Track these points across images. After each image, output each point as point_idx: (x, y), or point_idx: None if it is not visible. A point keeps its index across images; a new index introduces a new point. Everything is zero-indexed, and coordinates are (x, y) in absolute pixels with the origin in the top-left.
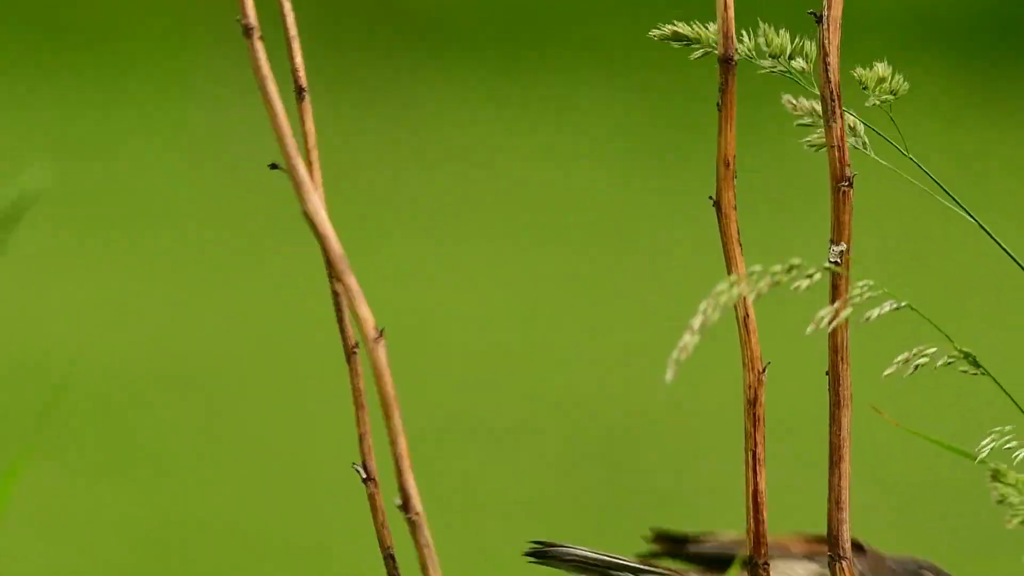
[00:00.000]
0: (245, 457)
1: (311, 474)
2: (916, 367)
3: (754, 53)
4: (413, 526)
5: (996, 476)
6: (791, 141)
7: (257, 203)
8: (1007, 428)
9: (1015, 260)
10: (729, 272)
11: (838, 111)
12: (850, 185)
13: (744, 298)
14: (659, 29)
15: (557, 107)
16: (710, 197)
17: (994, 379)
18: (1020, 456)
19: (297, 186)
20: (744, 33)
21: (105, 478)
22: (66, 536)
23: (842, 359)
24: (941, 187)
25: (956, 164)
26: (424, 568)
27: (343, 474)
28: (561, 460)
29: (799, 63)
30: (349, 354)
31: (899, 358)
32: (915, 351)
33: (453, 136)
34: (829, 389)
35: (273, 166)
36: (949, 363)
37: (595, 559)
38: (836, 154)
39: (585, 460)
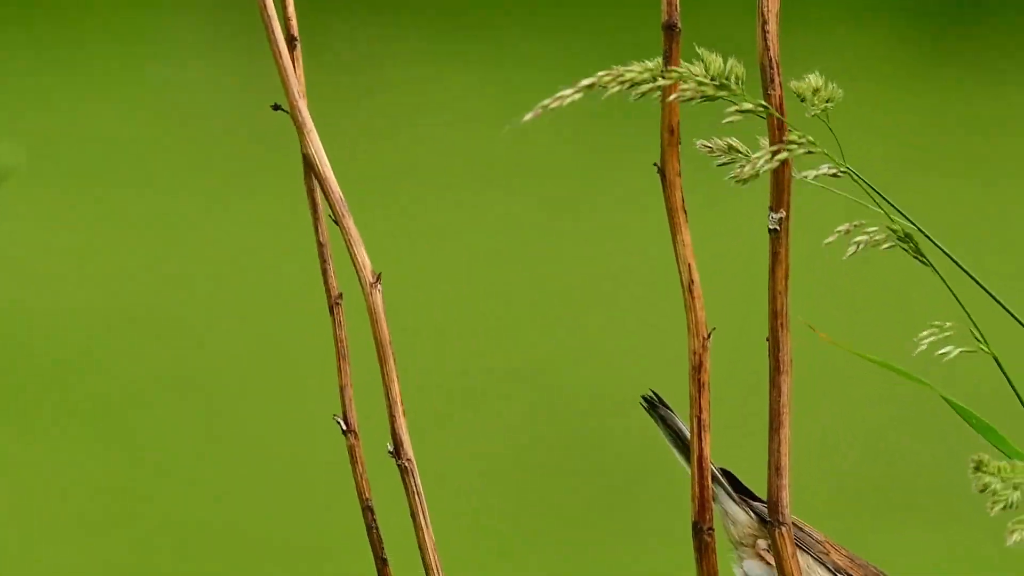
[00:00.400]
0: (225, 413)
1: (292, 427)
2: (857, 246)
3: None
4: (404, 472)
5: (979, 466)
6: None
7: (222, 158)
8: (947, 324)
9: (958, 265)
10: (674, 239)
11: (777, 79)
12: (788, 152)
13: (689, 264)
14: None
15: (513, 63)
16: (655, 164)
17: (934, 268)
18: (953, 354)
19: (299, 128)
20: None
21: (82, 439)
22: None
23: (782, 325)
24: (881, 195)
25: (907, 130)
26: (414, 515)
27: (326, 427)
28: (511, 411)
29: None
30: (332, 304)
31: (840, 227)
32: (855, 223)
33: (411, 90)
34: (769, 355)
35: (276, 107)
36: (890, 247)
37: (687, 439)
38: (775, 122)
39: (534, 417)
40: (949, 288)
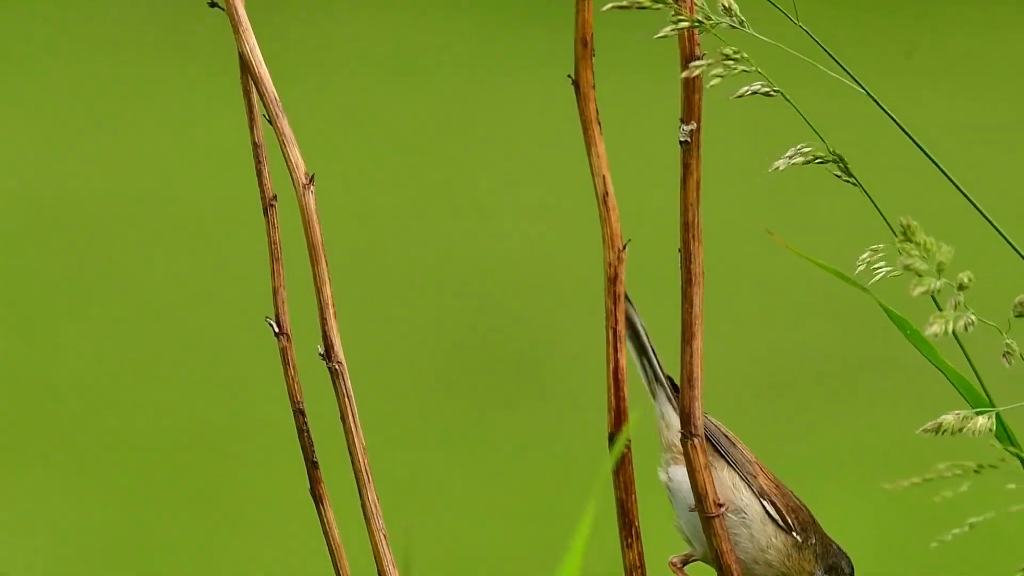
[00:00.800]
0: (155, 315)
1: (225, 329)
2: (793, 163)
3: None
4: (335, 375)
5: (907, 234)
6: (654, 20)
7: (155, 58)
8: (880, 246)
9: (904, 130)
10: (589, 152)
11: None
12: (700, 65)
13: (604, 176)
14: None
15: None
16: (568, 76)
17: (863, 189)
18: (890, 274)
19: (235, 26)
20: None
21: None
22: None
23: (693, 237)
24: (830, 55)
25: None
26: (344, 418)
27: (259, 329)
28: (442, 314)
29: None
30: (267, 206)
31: (786, 154)
32: (797, 148)
33: None
34: (681, 267)
35: (212, 4)
36: (822, 163)
37: (640, 333)
38: (686, 34)
39: (463, 320)
40: (876, 205)
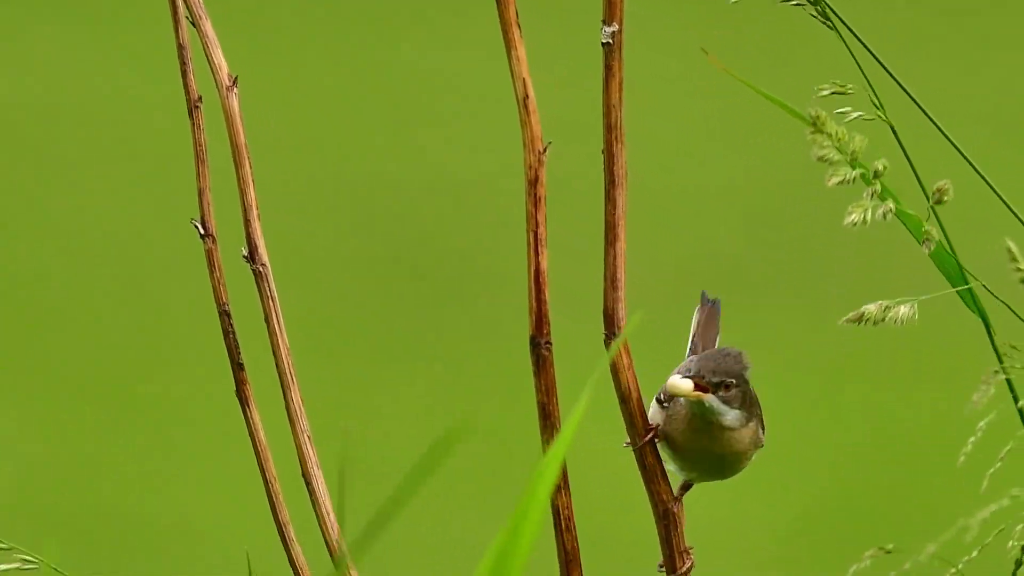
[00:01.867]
0: (76, 212)
1: (150, 231)
2: None
3: None
4: (259, 277)
5: (816, 125)
6: None
7: None
8: (850, 86)
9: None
10: (509, 55)
11: None
12: None
13: (524, 79)
14: None
15: None
16: None
17: (848, 27)
18: (851, 117)
19: None
20: None
21: None
22: None
23: (616, 139)
24: None
25: None
26: (268, 320)
27: (184, 231)
28: (365, 216)
29: None
30: (192, 108)
31: None
32: None
33: None
34: (604, 168)
35: None
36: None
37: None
38: None
39: (385, 221)
40: (851, 52)
